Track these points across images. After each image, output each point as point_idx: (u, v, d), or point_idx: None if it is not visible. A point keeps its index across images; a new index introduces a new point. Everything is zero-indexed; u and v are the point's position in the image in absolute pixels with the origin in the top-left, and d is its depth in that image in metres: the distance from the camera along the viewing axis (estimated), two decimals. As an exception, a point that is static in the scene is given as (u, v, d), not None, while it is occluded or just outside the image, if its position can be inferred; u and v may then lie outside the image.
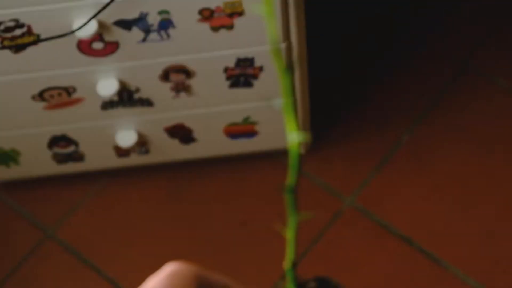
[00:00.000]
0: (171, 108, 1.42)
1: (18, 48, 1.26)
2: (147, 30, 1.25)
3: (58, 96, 1.37)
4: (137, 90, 1.37)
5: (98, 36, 1.25)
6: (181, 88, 1.37)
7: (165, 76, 1.34)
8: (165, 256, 1.51)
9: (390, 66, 1.66)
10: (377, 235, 1.51)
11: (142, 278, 1.48)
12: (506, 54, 1.66)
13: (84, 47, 1.27)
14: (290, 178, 0.45)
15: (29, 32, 1.23)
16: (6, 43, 1.24)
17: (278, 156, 1.57)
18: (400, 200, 1.53)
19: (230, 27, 1.26)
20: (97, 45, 1.27)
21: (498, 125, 1.58)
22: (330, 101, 1.64)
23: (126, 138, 1.46)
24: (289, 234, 0.49)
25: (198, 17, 1.24)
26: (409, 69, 1.65)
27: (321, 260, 1.50)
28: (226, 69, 1.34)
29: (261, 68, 1.35)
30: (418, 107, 1.61)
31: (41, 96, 1.36)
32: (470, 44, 1.67)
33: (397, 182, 1.55)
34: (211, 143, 1.52)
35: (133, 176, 1.60)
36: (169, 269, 0.44)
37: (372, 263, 1.49)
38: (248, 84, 1.38)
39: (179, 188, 1.58)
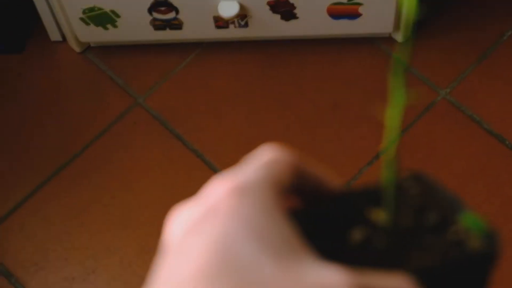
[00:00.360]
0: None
1: None
2: None
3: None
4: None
5: None
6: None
7: None
8: (252, 133, 1.52)
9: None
10: (467, 130, 1.50)
11: (227, 152, 1.49)
12: None
13: None
14: (402, 53, 0.41)
15: None
16: None
17: (378, 42, 1.56)
18: (495, 97, 1.52)
19: None
20: None
21: None
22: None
23: (228, 8, 1.45)
24: (393, 116, 0.43)
25: None
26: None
27: (408, 150, 1.49)
28: None
29: None
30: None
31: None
32: None
33: (494, 79, 1.53)
34: (312, 21, 1.50)
35: (228, 49, 1.59)
36: (267, 156, 0.42)
37: (460, 157, 1.48)
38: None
39: (274, 66, 1.57)
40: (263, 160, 0.41)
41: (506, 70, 1.54)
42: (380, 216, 0.43)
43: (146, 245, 1.42)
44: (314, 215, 0.43)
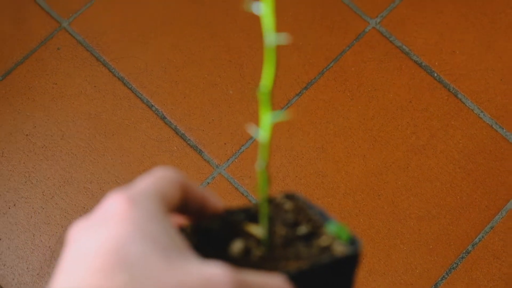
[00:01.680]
0: None
1: None
2: None
3: None
4: None
5: None
6: None
7: None
8: (179, 61, 1.49)
9: None
10: (396, 61, 1.49)
11: (153, 80, 1.46)
12: None
13: None
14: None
15: None
16: None
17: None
18: (425, 28, 1.51)
19: None
20: None
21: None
22: None
23: None
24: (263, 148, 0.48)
25: None
26: None
27: (338, 80, 1.48)
28: None
29: None
30: None
31: None
32: None
33: (424, 8, 1.52)
34: None
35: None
36: (157, 173, 0.48)
37: (388, 87, 1.48)
38: None
39: (203, -9, 1.54)
40: (153, 176, 0.47)
41: (437, 1, 1.53)
42: (258, 229, 0.50)
43: (70, 177, 1.40)
44: (200, 230, 0.49)
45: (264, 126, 0.48)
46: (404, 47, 1.50)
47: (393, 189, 1.41)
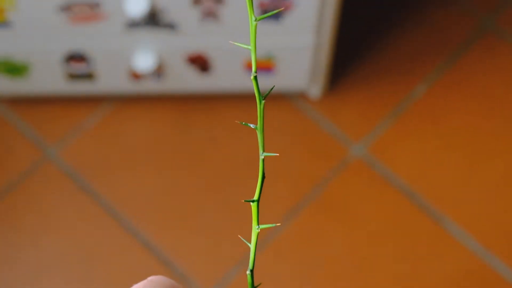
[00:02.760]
0: (194, 35, 1.39)
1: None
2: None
3: (83, 10, 1.33)
4: (165, 11, 1.34)
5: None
6: (209, 15, 1.35)
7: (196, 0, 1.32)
8: (165, 189, 1.50)
9: (413, 17, 1.64)
10: (381, 187, 1.51)
11: (141, 206, 1.46)
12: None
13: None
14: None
15: None
16: None
17: (293, 97, 1.56)
18: (408, 153, 1.53)
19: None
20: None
21: None
22: (349, 46, 1.62)
23: (144, 61, 1.43)
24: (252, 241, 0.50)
25: None
26: (431, 22, 1.64)
27: (322, 209, 1.49)
28: (259, 0, 1.32)
29: (292, 4, 1.33)
30: (437, 61, 1.61)
31: (65, 7, 1.32)
32: (495, 2, 1.66)
33: (407, 135, 1.55)
34: (227, 76, 1.49)
35: (143, 103, 1.57)
36: (151, 277, 0.50)
37: (372, 215, 1.48)
38: (276, 17, 1.36)
39: (189, 121, 1.56)
40: (147, 280, 0.49)
41: (418, 126, 1.55)
42: None
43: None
44: None
45: (252, 237, 0.49)
46: (388, 173, 1.51)
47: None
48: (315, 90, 1.55)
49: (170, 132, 1.55)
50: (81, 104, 1.57)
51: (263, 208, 1.47)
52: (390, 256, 1.45)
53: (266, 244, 1.46)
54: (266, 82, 1.51)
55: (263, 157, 0.47)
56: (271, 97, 1.56)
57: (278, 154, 0.49)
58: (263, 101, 0.46)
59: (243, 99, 1.56)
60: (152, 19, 1.35)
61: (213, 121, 1.56)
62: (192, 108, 1.57)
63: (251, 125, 0.47)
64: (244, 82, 1.51)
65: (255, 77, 0.46)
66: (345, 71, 1.60)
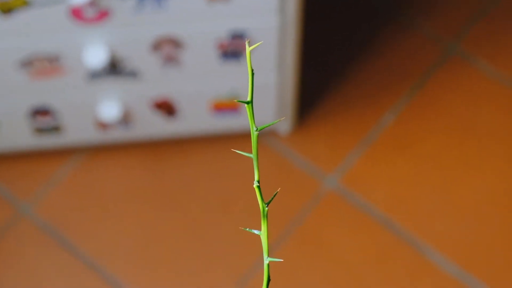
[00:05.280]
0: (157, 81, 1.39)
1: (7, 11, 1.22)
2: (141, -2, 1.23)
3: (43, 64, 1.33)
4: (125, 60, 1.34)
5: (92, 2, 1.22)
6: (170, 60, 1.35)
7: (156, 46, 1.32)
8: (143, 235, 1.49)
9: (377, 45, 1.65)
10: (357, 218, 1.50)
11: (119, 257, 1.45)
12: (493, 37, 1.66)
13: (76, 13, 1.24)
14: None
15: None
16: (-5, 6, 1.21)
17: (262, 136, 1.56)
18: (381, 182, 1.53)
19: (226, -2, 1.24)
20: (89, 12, 1.24)
21: (480, 112, 1.58)
22: (314, 78, 1.62)
23: (109, 111, 1.43)
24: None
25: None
26: (395, 51, 1.65)
27: (299, 245, 1.48)
28: (218, 42, 1.32)
29: (252, 43, 1.33)
30: (403, 88, 1.61)
31: (25, 63, 1.32)
32: (458, 27, 1.67)
33: (379, 163, 1.55)
34: (195, 119, 1.49)
35: (114, 152, 1.56)
36: None
37: (350, 247, 1.48)
38: (237, 57, 1.36)
39: (161, 166, 1.55)
40: None
41: (389, 155, 1.55)
42: None
43: None
44: None
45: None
46: (363, 203, 1.51)
47: None
48: (284, 126, 1.55)
49: (144, 179, 1.55)
50: (52, 157, 1.56)
51: (239, 247, 1.47)
52: (371, 287, 1.44)
53: (246, 282, 1.45)
54: (232, 122, 1.51)
55: (267, 262, 0.48)
56: (241, 137, 1.56)
57: (282, 260, 0.50)
58: (266, 209, 0.47)
59: (214, 140, 1.56)
60: (114, 68, 1.35)
61: (186, 165, 1.56)
62: (164, 153, 1.56)
63: (256, 231, 0.48)
64: (212, 123, 1.51)
65: (258, 186, 0.47)
66: (313, 105, 1.60)
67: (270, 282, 1.44)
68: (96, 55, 1.30)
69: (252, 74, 0.48)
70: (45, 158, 1.56)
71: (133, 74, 1.37)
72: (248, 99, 0.49)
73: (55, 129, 1.48)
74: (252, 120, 0.48)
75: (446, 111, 1.59)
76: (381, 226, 1.49)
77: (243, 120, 1.51)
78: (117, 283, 1.45)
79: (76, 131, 1.50)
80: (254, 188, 1.54)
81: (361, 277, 1.45)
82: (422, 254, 1.46)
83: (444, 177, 1.53)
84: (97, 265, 1.47)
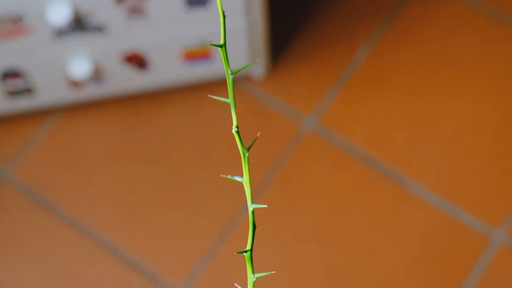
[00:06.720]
0: (125, 33, 1.38)
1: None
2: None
3: (7, 25, 1.31)
4: (90, 15, 1.32)
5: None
6: (135, 11, 1.33)
7: (119, -2, 1.30)
8: (125, 191, 1.48)
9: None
10: (338, 157, 1.50)
11: (103, 217, 1.45)
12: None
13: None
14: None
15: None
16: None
17: (237, 82, 1.54)
18: (359, 119, 1.52)
19: None
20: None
21: (455, 41, 1.57)
22: (284, 20, 1.61)
23: (79, 68, 1.41)
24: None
25: None
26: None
27: (283, 188, 1.48)
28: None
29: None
30: (374, 22, 1.59)
31: (-11, 26, 1.30)
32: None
33: (356, 100, 1.54)
34: (167, 69, 1.48)
35: (89, 109, 1.55)
36: None
37: (334, 186, 1.48)
38: (203, 3, 1.34)
39: (136, 121, 1.54)
40: None
41: (365, 91, 1.54)
42: None
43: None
44: None
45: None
46: (342, 143, 1.50)
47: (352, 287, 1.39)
48: (258, 70, 1.54)
49: (121, 134, 1.54)
50: (27, 120, 1.55)
51: (223, 195, 1.46)
52: (357, 224, 1.44)
53: (231, 231, 1.45)
54: (205, 70, 1.49)
55: (252, 209, 0.47)
56: (215, 84, 1.55)
57: (266, 206, 0.49)
58: (247, 154, 0.46)
59: (189, 90, 1.55)
60: (79, 24, 1.34)
61: (162, 117, 1.54)
62: (140, 107, 1.55)
63: (238, 178, 0.48)
64: (185, 72, 1.49)
65: (237, 132, 0.46)
66: (286, 47, 1.58)
67: (256, 230, 1.44)
68: (59, 12, 1.28)
69: (224, 16, 0.47)
70: (20, 121, 1.55)
71: (99, 29, 1.35)
72: (221, 42, 0.48)
73: (27, 91, 1.47)
74: (227, 63, 0.48)
75: (419, 42, 1.57)
76: (362, 163, 1.48)
77: (216, 67, 1.50)
78: (103, 240, 1.45)
79: (49, 92, 1.48)
80: (233, 135, 1.54)
81: (345, 213, 1.45)
82: (403, 186, 1.46)
83: (421, 109, 1.52)
84: (81, 224, 1.46)
